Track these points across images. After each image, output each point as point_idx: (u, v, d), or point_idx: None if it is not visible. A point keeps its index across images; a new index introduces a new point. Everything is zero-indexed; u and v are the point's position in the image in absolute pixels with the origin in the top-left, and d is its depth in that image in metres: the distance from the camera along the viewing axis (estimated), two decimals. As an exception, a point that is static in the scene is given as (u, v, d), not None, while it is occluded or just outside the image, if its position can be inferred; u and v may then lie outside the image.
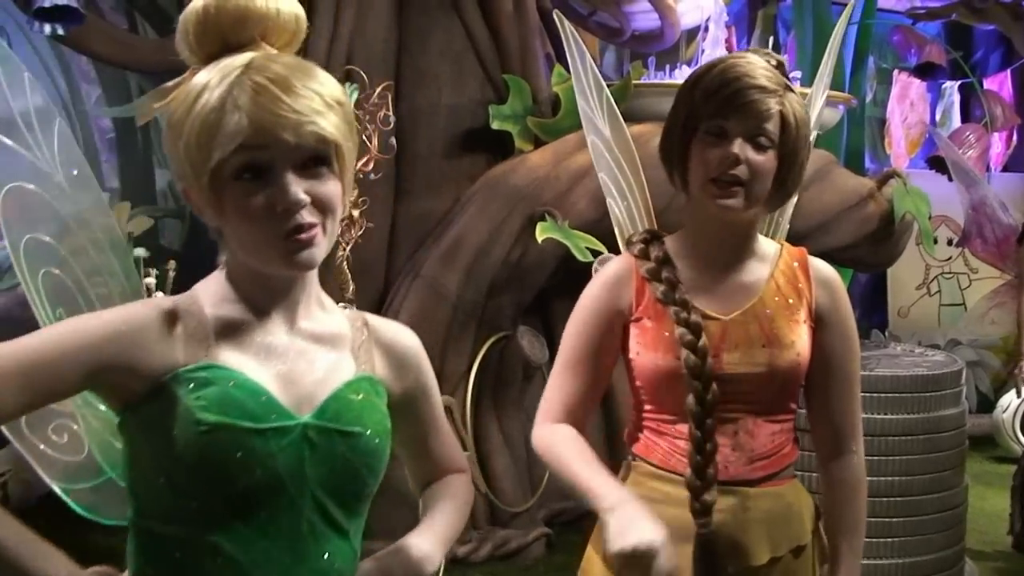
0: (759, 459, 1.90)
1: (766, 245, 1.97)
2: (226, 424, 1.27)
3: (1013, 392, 6.39)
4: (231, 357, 1.33)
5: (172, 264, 3.92)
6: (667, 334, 1.88)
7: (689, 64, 5.07)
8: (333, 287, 3.81)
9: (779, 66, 1.90)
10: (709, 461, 1.86)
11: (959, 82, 7.39)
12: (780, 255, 1.96)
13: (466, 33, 4.72)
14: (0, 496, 4.80)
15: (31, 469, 4.69)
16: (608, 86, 4.64)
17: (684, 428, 1.89)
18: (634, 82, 4.64)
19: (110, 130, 6.39)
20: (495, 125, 4.61)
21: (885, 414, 3.88)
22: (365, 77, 3.83)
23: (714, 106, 1.81)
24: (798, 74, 4.98)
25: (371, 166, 3.63)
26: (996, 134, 6.97)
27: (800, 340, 1.89)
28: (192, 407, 1.28)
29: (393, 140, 3.81)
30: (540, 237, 4.12)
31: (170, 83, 1.36)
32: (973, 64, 7.91)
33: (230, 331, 1.35)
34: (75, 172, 1.94)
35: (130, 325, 1.30)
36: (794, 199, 2.37)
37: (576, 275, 4.79)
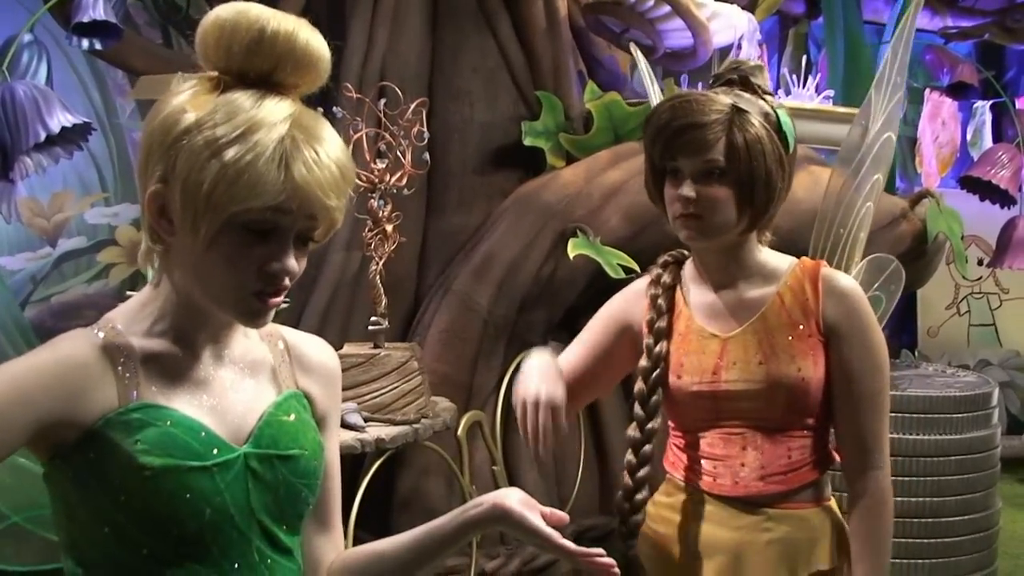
0: (773, 475, 1.91)
1: (776, 262, 2.00)
2: (172, 466, 1.23)
3: (1045, 414, 6.37)
4: (163, 393, 1.28)
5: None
6: None
7: (721, 82, 5.07)
8: (366, 302, 3.83)
9: (742, 82, 1.93)
10: (639, 487, 1.96)
11: (991, 101, 7.35)
12: (792, 272, 1.97)
13: (499, 50, 4.74)
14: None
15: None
16: (640, 104, 4.68)
17: (695, 441, 1.97)
18: (667, 100, 4.65)
19: (144, 143, 6.44)
20: (527, 141, 4.62)
21: (917, 435, 3.87)
22: (400, 92, 3.86)
23: (661, 148, 1.90)
24: (831, 93, 4.97)
25: (404, 181, 3.65)
26: (1028, 154, 6.92)
27: (804, 357, 1.90)
28: (132, 452, 1.22)
29: (427, 155, 3.83)
30: (572, 253, 4.13)
31: (183, 76, 1.30)
32: (1005, 83, 7.88)
33: (158, 366, 1.29)
34: None
35: (68, 370, 1.23)
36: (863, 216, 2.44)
37: (605, 292, 4.80)
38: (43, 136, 3.89)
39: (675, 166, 1.89)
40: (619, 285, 4.45)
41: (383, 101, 3.73)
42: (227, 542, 1.29)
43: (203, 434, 1.27)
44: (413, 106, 3.69)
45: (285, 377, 1.41)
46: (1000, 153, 6.08)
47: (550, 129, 4.66)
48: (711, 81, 2.02)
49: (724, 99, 1.88)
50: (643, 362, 1.98)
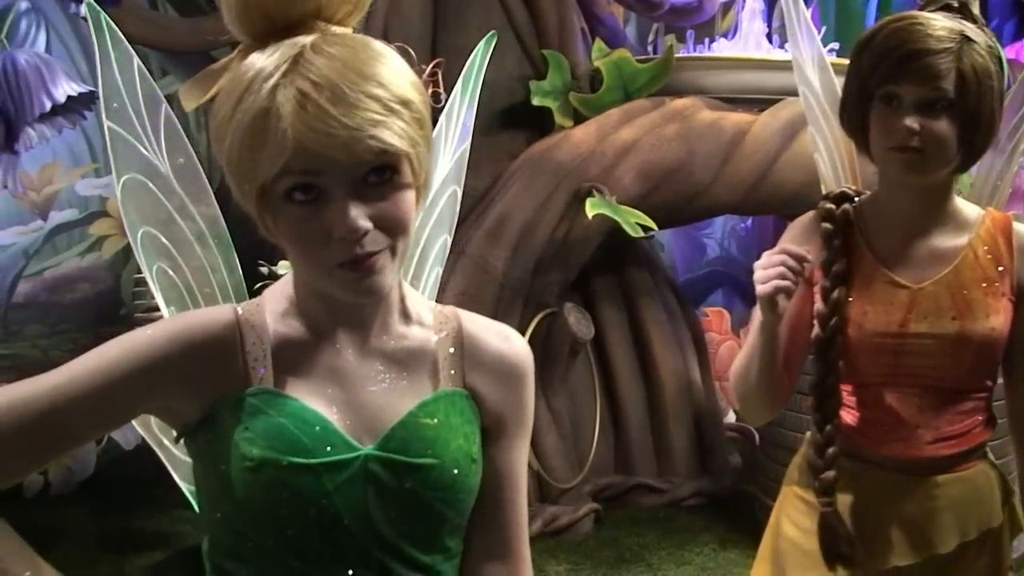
0: (947, 438, 1.83)
1: (967, 211, 1.88)
2: (271, 459, 1.13)
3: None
4: (290, 381, 1.18)
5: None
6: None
7: (726, 36, 5.04)
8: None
9: (961, 9, 1.79)
10: (829, 442, 1.83)
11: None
12: (982, 222, 1.86)
13: (503, 9, 4.67)
14: (41, 483, 4.79)
15: (72, 456, 4.67)
16: (646, 60, 4.64)
17: (865, 398, 1.87)
18: (676, 55, 4.61)
19: (130, 112, 6.31)
20: (536, 101, 4.57)
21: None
22: (413, 54, 3.79)
23: (884, 72, 1.74)
24: (835, 45, 4.94)
25: (421, 145, 3.60)
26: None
27: (996, 314, 1.81)
28: (239, 440, 1.14)
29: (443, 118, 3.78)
30: (591, 213, 4.10)
31: (216, 65, 1.19)
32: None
33: (291, 351, 1.20)
34: (181, 162, 1.89)
35: (198, 341, 1.17)
36: (1016, 162, 2.33)
37: (619, 251, 4.80)
38: (48, 106, 3.82)
39: (894, 91, 1.73)
40: (633, 243, 4.44)
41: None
42: (341, 547, 1.17)
43: (318, 428, 1.16)
44: (430, 67, 3.63)
45: (449, 372, 1.25)
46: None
47: (557, 88, 4.60)
48: (920, 3, 1.85)
49: (951, 24, 1.73)
50: (819, 306, 1.83)
